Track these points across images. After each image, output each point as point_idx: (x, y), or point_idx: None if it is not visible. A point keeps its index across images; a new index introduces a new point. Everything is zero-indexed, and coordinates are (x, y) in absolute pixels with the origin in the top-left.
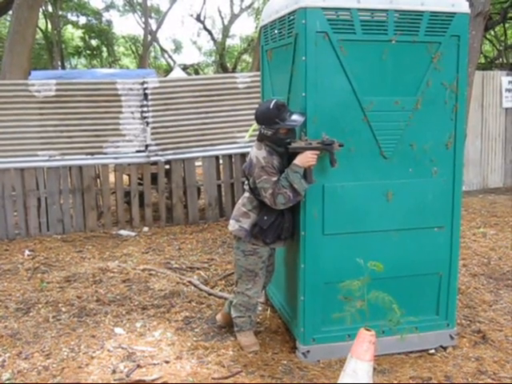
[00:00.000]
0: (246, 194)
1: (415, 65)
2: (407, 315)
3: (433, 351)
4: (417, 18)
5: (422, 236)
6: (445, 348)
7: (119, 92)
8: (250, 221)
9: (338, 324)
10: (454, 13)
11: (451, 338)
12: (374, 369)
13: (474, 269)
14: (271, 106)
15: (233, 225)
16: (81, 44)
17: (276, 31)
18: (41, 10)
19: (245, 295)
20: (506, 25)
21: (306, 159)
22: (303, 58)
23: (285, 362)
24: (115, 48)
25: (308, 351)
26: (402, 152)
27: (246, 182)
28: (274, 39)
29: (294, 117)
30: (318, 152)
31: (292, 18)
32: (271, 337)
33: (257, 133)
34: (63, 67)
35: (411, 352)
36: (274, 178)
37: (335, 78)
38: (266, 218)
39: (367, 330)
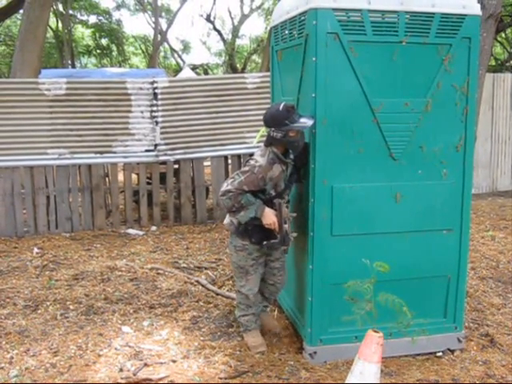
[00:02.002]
0: None
1: (426, 66)
2: (415, 318)
3: (440, 354)
4: (428, 20)
5: (431, 238)
6: (452, 351)
7: (129, 91)
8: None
9: (346, 325)
10: (465, 15)
11: (459, 341)
12: (381, 371)
13: (482, 272)
14: (281, 107)
15: (226, 218)
16: (91, 43)
17: (286, 32)
18: (51, 9)
19: (240, 293)
20: None
21: (268, 220)
22: (313, 58)
23: (291, 362)
24: (125, 47)
25: (315, 352)
26: (411, 154)
27: None
28: (285, 40)
29: (303, 119)
30: (277, 225)
31: (303, 18)
32: (278, 337)
33: (264, 138)
34: (73, 66)
35: (418, 354)
36: (245, 188)
37: (345, 79)
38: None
39: (375, 331)
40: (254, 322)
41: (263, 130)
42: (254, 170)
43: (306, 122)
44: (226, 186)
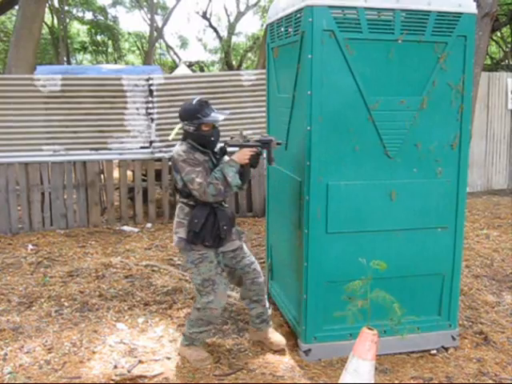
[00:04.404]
0: (178, 205)
1: (421, 64)
2: (409, 315)
3: (434, 352)
4: (423, 18)
5: (426, 236)
6: (446, 349)
7: (124, 88)
8: (184, 229)
9: (340, 323)
10: (461, 13)
11: (453, 338)
12: (376, 368)
13: (476, 270)
14: (194, 102)
15: (174, 239)
16: (86, 39)
17: (282, 29)
18: (47, 4)
19: (207, 309)
20: None
21: (243, 156)
22: (309, 56)
23: (286, 360)
24: (121, 44)
25: (309, 350)
26: (406, 152)
27: (174, 186)
28: (281, 37)
29: (215, 114)
30: (255, 149)
31: (299, 15)
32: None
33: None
34: (69, 63)
35: (413, 352)
36: (198, 168)
37: (341, 77)
38: (196, 220)
39: (370, 329)
40: (205, 338)
41: (179, 126)
42: (184, 156)
43: (217, 116)
44: (197, 188)
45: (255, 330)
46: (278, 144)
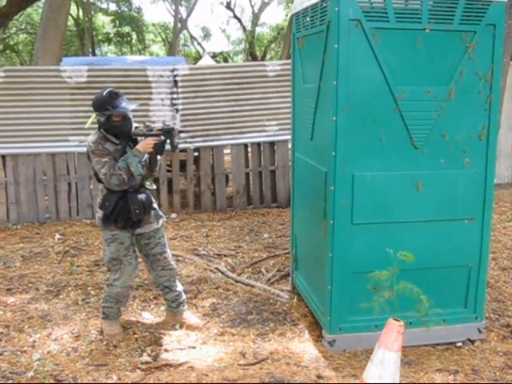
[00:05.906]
0: (100, 187)
1: (449, 54)
2: (435, 307)
3: (460, 344)
4: (452, 7)
5: (452, 228)
6: (472, 341)
7: (149, 79)
8: None
9: (365, 314)
10: (490, 1)
11: (479, 331)
12: (401, 360)
13: (503, 262)
14: (104, 93)
15: (96, 217)
16: (111, 31)
17: (308, 19)
18: None
19: (114, 286)
20: None
21: (146, 145)
22: (335, 46)
23: (310, 350)
24: (145, 35)
25: (334, 340)
26: (433, 142)
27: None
28: (306, 27)
29: (125, 104)
30: (158, 138)
31: (325, 5)
32: (297, 325)
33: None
34: (94, 54)
35: (438, 344)
36: (105, 159)
37: (367, 67)
38: (107, 203)
39: (396, 320)
40: (116, 314)
41: (94, 116)
42: (93, 147)
43: (126, 107)
44: (103, 178)
45: (172, 315)
46: (180, 132)
